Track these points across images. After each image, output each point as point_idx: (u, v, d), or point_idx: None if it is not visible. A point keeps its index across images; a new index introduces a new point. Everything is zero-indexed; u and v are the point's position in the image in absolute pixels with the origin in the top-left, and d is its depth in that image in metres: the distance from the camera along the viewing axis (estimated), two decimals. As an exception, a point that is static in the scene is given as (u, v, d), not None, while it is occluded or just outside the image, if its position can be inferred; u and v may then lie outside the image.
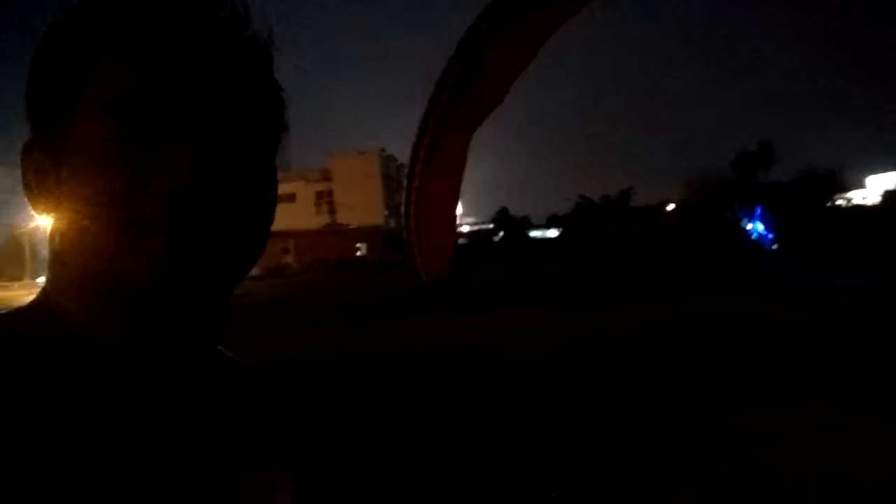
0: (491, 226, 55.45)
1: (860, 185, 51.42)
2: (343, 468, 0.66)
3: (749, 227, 26.36)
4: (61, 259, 0.52)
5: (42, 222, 0.57)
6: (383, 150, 62.62)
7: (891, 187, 43.91)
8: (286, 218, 55.33)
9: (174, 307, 0.50)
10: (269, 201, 0.54)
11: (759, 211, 26.21)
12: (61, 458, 0.45)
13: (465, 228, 61.02)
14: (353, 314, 14.24)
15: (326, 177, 60.89)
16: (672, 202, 49.66)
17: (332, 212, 59.05)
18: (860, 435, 4.50)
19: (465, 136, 16.85)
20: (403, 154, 18.44)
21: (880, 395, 5.34)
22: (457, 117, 16.13)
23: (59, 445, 0.45)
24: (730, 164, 44.17)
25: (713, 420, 5.04)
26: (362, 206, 56.48)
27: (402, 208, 18.18)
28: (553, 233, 51.95)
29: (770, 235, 25.01)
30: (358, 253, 48.61)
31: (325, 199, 60.33)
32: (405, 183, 18.09)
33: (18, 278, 46.06)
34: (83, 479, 0.45)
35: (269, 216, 0.54)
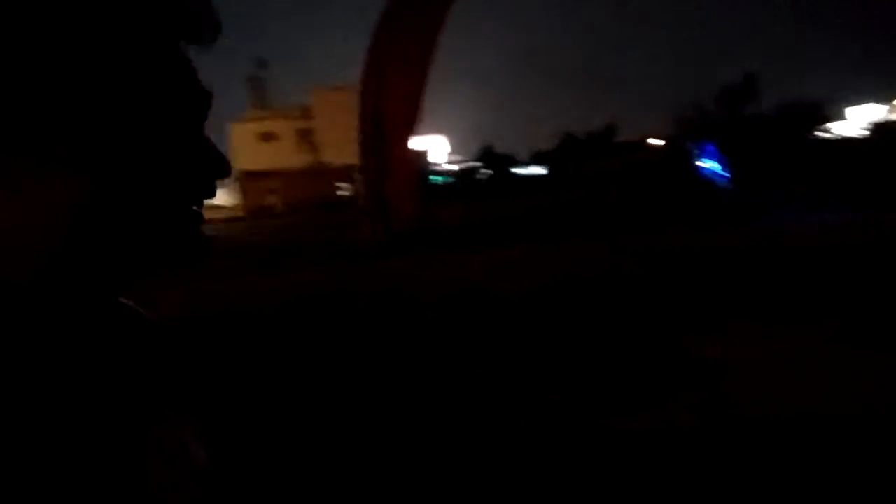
0: (478, 164, 55.11)
1: (841, 117, 51.39)
2: (248, 415, 0.70)
3: (703, 164, 25.98)
4: None
5: None
6: (365, 85, 60.93)
7: (878, 119, 43.66)
8: (269, 157, 54.51)
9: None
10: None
11: (710, 148, 25.67)
12: None
13: (452, 167, 60.60)
14: (337, 255, 14.30)
15: (308, 114, 59.59)
16: (657, 137, 49.47)
17: (314, 150, 58.10)
18: (821, 365, 4.66)
19: (426, 29, 15.30)
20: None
21: (841, 326, 5.51)
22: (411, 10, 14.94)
23: None
24: (715, 99, 43.85)
25: (681, 351, 5.19)
26: (345, 143, 55.48)
27: (360, 136, 16.15)
28: (538, 169, 51.80)
29: (724, 173, 24.48)
30: (339, 192, 48.14)
31: (307, 138, 59.22)
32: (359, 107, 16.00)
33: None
34: None
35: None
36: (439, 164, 53.45)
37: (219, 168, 0.56)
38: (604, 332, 5.99)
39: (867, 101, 57.40)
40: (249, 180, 53.09)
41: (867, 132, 40.56)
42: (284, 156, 54.65)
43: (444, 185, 42.32)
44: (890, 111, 57.47)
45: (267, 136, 57.03)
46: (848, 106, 57.32)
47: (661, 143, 46.90)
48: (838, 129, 43.76)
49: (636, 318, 6.37)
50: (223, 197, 62.98)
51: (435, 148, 61.61)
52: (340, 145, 55.75)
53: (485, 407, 4.38)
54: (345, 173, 50.04)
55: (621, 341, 5.64)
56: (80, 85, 0.48)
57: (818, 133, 38.23)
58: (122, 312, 0.60)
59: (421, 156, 18.88)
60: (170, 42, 0.52)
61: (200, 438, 0.60)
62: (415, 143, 17.35)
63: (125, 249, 0.52)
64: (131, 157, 0.50)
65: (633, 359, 5.15)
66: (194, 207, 0.55)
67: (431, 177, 42.89)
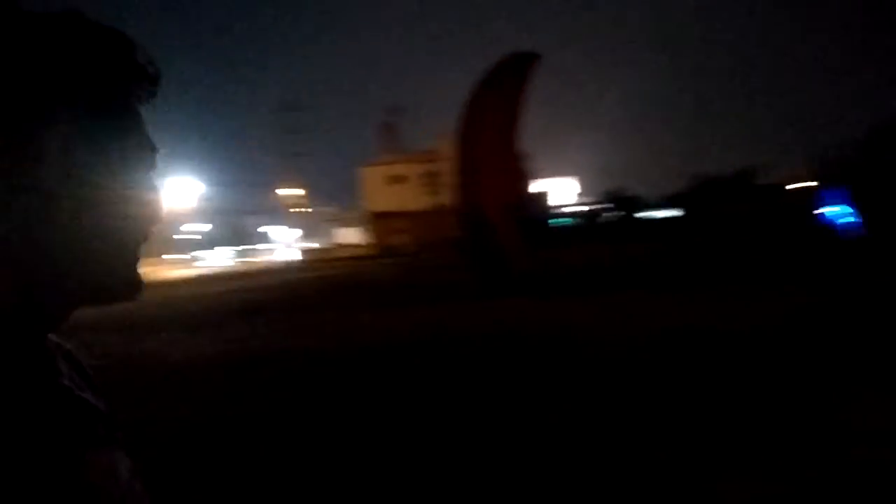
0: (604, 205, 54.07)
1: None
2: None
3: (828, 211, 22.75)
4: None
5: None
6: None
7: None
8: (398, 199, 56.45)
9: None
10: None
11: (839, 194, 22.13)
12: None
13: (580, 209, 60.11)
14: (455, 294, 14.45)
15: (434, 157, 61.24)
16: (802, 180, 46.39)
17: (440, 192, 59.49)
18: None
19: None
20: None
21: None
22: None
23: None
24: (866, 138, 40.51)
25: (811, 415, 4.68)
26: (470, 186, 56.25)
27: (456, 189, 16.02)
28: (668, 212, 50.00)
29: (856, 221, 21.05)
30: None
31: (433, 180, 60.79)
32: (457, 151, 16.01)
33: None
34: None
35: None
36: (563, 206, 52.82)
37: (155, 215, 0.61)
38: (723, 389, 5.52)
39: None
40: (379, 221, 55.18)
41: None
42: (412, 197, 56.37)
43: (568, 227, 41.69)
44: None
45: (395, 179, 59.17)
46: None
47: (807, 186, 43.95)
48: None
49: (759, 376, 5.84)
50: (356, 236, 65.90)
51: (562, 190, 61.21)
52: (466, 187, 56.65)
53: (584, 463, 4.13)
54: (469, 214, 50.77)
55: (743, 398, 5.17)
56: (48, 131, 0.53)
57: None
58: (53, 350, 0.62)
59: (538, 199, 18.76)
60: (127, 102, 0.59)
61: (129, 462, 0.63)
62: (530, 186, 17.27)
63: (64, 287, 0.56)
64: (81, 198, 0.54)
65: (745, 419, 4.69)
66: (132, 248, 0.59)
67: (552, 219, 42.43)
